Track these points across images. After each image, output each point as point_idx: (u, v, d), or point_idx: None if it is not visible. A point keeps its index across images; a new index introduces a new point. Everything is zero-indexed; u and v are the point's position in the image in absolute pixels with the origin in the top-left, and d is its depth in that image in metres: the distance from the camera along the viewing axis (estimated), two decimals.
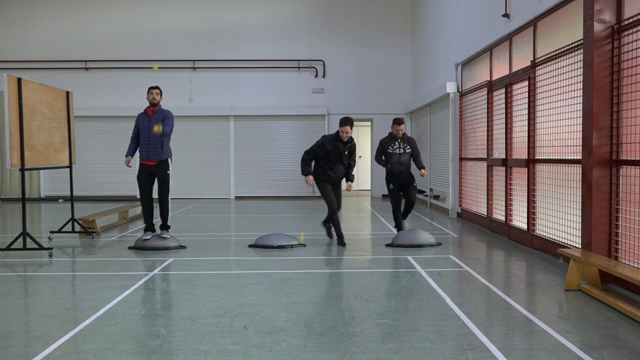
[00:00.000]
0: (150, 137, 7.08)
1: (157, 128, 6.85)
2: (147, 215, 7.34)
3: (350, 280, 5.47)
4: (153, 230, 7.35)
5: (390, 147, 7.93)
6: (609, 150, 5.20)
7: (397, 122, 7.87)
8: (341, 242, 7.39)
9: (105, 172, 15.42)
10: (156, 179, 7.24)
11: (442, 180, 11.66)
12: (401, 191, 8.02)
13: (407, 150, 7.91)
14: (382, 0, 15.65)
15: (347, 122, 7.17)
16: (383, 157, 8.04)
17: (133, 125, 7.37)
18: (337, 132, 7.26)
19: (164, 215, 7.33)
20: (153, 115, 7.18)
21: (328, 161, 7.30)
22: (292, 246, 7.19)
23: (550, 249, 6.40)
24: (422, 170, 7.91)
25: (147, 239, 7.19)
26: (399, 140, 7.92)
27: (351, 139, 7.36)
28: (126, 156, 7.30)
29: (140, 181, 7.23)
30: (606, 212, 5.23)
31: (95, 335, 3.78)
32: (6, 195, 15.28)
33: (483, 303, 4.63)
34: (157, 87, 7.30)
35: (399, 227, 8.07)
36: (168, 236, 7.25)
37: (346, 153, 7.39)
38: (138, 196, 7.49)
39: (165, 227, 7.32)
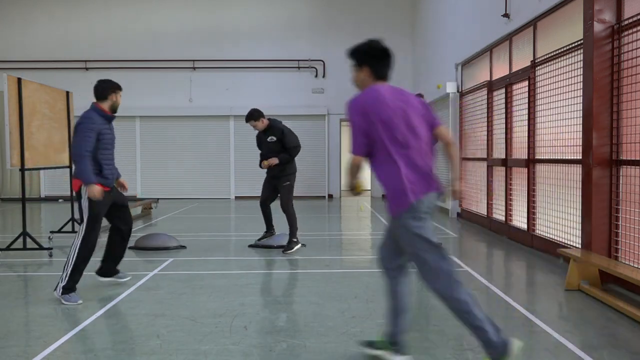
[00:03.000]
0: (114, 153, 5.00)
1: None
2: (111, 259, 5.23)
3: (350, 280, 5.47)
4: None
5: None
6: (609, 150, 5.19)
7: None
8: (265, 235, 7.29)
9: None
10: (115, 204, 5.00)
11: (442, 180, 11.64)
12: None
13: None
14: (382, 0, 15.65)
15: (246, 119, 6.92)
16: None
17: (105, 131, 4.81)
18: None
19: (122, 254, 5.19)
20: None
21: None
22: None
23: (550, 249, 6.40)
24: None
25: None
26: None
27: (270, 127, 6.95)
28: (91, 183, 4.57)
29: (103, 216, 4.87)
30: (606, 212, 5.23)
31: (95, 335, 3.78)
32: (6, 195, 15.27)
33: (483, 303, 4.63)
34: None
35: None
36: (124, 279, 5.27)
37: (273, 140, 6.92)
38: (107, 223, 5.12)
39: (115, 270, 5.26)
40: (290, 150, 6.88)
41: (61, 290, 4.58)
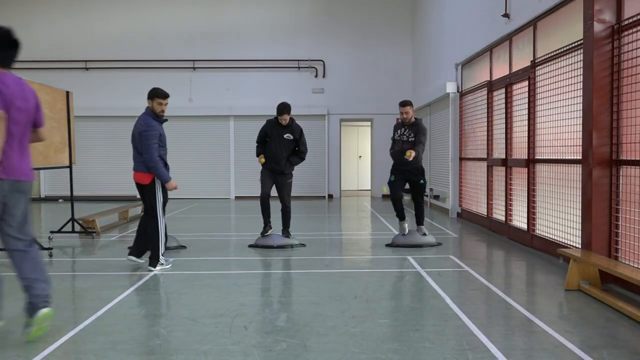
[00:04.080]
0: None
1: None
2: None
3: (350, 280, 5.47)
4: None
5: (396, 133, 7.29)
6: (609, 150, 5.19)
7: (402, 104, 7.19)
8: (286, 233, 7.37)
9: (105, 172, 15.43)
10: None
11: (442, 180, 11.66)
12: (408, 187, 7.41)
13: (410, 140, 7.10)
14: (382, 1, 15.65)
15: (283, 111, 7.01)
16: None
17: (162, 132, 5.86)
18: (277, 118, 7.16)
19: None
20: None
21: (269, 146, 7.15)
22: (292, 246, 7.19)
23: (550, 249, 6.40)
24: (408, 152, 6.82)
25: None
26: (405, 127, 7.19)
27: (290, 125, 7.14)
28: (169, 180, 5.85)
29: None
30: (606, 212, 5.23)
31: (95, 335, 3.78)
32: None
33: (483, 303, 4.63)
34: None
35: (400, 217, 7.34)
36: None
37: (290, 139, 7.11)
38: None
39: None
40: (303, 153, 7.24)
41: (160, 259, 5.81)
